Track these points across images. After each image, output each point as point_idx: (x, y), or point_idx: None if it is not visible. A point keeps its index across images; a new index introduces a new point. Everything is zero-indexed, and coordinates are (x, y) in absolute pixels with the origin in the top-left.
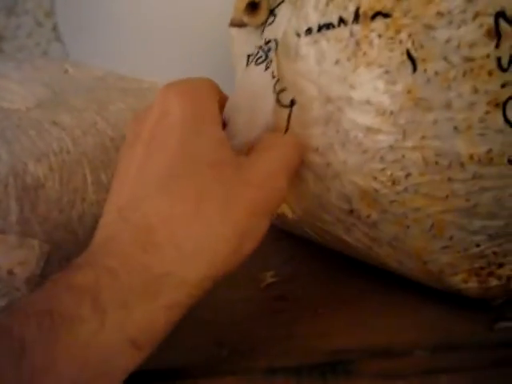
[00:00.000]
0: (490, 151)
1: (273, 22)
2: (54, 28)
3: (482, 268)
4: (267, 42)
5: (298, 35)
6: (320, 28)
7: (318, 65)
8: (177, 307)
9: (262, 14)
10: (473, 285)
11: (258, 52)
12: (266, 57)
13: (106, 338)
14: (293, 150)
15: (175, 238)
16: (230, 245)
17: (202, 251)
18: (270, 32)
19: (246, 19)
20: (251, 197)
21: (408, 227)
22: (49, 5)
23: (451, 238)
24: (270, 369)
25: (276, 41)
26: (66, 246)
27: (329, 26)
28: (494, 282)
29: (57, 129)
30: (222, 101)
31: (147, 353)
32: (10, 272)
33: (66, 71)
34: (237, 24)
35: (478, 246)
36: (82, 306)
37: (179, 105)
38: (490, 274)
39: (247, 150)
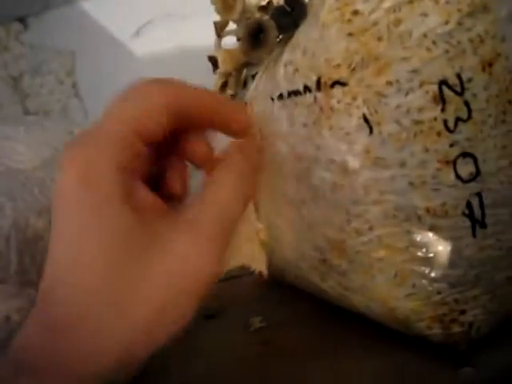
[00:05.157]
0: (444, 204)
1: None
2: (74, 85)
3: (444, 315)
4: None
5: (272, 99)
6: (289, 94)
7: (289, 126)
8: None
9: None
10: (437, 331)
11: None
12: None
13: None
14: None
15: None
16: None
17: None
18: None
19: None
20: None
21: (374, 276)
22: (70, 64)
23: (414, 285)
24: None
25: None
26: None
27: (296, 92)
28: (456, 329)
29: None
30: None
31: None
32: (8, 318)
33: (71, 132)
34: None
35: (439, 293)
36: None
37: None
38: (453, 320)
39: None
